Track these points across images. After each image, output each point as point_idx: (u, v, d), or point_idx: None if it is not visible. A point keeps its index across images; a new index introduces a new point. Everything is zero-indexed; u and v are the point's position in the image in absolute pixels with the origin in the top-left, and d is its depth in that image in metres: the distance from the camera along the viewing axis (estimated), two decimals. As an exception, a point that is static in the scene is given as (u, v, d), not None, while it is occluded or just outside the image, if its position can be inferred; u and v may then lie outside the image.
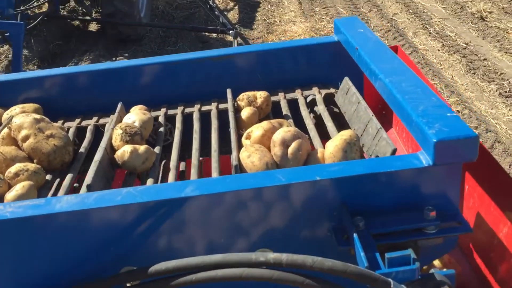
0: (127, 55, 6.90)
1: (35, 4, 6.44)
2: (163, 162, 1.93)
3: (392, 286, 1.22)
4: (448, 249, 1.53)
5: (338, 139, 1.67)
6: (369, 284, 1.23)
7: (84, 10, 7.64)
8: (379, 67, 1.78)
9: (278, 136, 1.70)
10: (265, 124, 1.79)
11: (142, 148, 1.80)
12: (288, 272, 1.25)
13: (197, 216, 1.42)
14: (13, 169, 1.73)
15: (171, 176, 1.74)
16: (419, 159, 1.41)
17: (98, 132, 2.08)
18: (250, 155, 1.67)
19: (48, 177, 1.80)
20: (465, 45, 6.47)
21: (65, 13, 7.81)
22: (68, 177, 1.78)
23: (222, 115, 2.05)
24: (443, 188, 1.45)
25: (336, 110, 2.08)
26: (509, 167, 4.14)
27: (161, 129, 2.03)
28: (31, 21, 6.36)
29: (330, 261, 1.23)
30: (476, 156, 1.37)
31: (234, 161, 1.68)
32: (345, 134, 1.68)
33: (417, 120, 1.44)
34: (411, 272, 1.27)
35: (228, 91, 2.11)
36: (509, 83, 5.45)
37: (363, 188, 1.42)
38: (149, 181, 1.72)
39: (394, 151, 1.58)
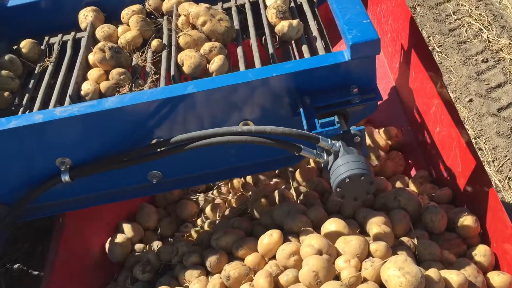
0: None
1: None
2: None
3: (320, 139, 1.83)
4: (370, 113, 2.10)
5: None
6: (306, 141, 1.85)
7: None
8: None
9: None
10: None
11: (295, 21, 2.35)
12: (256, 136, 1.89)
13: (200, 104, 2.00)
14: (206, 46, 2.28)
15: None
16: (343, 55, 1.96)
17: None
18: None
19: (222, 51, 2.38)
20: None
21: None
22: (239, 49, 2.36)
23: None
24: (363, 72, 2.00)
25: None
26: None
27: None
28: None
29: (281, 128, 1.84)
30: (379, 51, 1.93)
31: None
32: None
33: (343, 27, 1.98)
34: (334, 130, 1.87)
35: None
36: None
37: (309, 77, 1.97)
38: (304, 46, 2.32)
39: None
